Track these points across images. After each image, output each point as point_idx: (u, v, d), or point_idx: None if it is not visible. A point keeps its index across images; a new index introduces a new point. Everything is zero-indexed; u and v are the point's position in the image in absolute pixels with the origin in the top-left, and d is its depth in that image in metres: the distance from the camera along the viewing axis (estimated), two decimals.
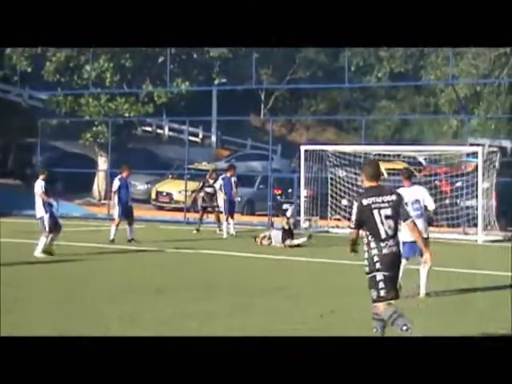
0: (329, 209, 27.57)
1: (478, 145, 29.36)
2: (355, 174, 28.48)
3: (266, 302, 12.08)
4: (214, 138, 45.92)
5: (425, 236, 12.91)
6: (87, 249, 19.41)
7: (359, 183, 28.55)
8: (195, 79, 36.79)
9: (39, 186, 18.08)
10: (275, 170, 33.70)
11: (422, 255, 11.86)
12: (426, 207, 13.55)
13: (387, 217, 8.62)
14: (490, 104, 37.71)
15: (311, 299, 12.75)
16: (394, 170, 30.04)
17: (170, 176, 35.28)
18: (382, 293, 8.53)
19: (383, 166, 30.38)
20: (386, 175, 30.28)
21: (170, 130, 46.68)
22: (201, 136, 46.74)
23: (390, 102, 48.35)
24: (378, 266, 8.53)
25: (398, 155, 29.55)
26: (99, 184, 36.34)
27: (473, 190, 25.14)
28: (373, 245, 8.58)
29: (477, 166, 24.98)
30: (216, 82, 37.19)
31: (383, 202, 8.66)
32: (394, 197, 8.77)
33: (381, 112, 47.91)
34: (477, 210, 24.39)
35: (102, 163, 36.07)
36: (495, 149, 28.12)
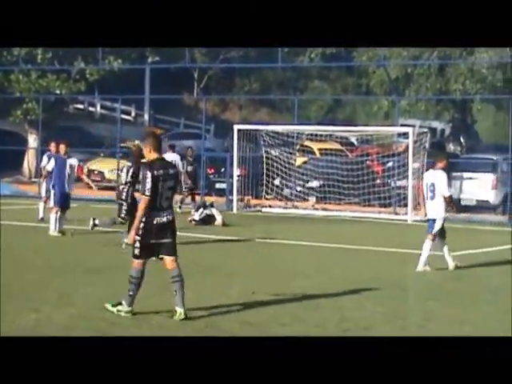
0: (264, 188, 27.70)
1: (408, 125, 29.77)
2: (289, 153, 28.63)
3: (199, 280, 12.12)
4: (146, 117, 45.60)
5: (436, 217, 13.77)
6: (18, 227, 19.16)
7: (292, 162, 28.74)
8: (128, 57, 36.47)
9: None
10: (208, 150, 33.66)
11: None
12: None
13: (169, 188, 9.37)
14: (421, 85, 38.23)
15: (245, 278, 12.86)
16: (326, 149, 30.30)
17: (102, 154, 34.98)
18: (136, 251, 9.47)
19: (316, 146, 30.68)
20: (318, 154, 30.53)
21: (102, 107, 46.20)
22: (133, 114, 46.38)
23: (323, 82, 48.63)
24: (141, 231, 9.33)
25: (331, 135, 29.79)
26: (29, 162, 35.85)
27: (404, 171, 25.50)
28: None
29: (407, 147, 25.36)
30: (149, 60, 36.92)
31: (168, 174, 9.37)
32: (175, 169, 9.63)
33: (313, 92, 48.18)
34: (407, 190, 24.76)
35: (33, 141, 35.57)
36: (425, 130, 28.55)
